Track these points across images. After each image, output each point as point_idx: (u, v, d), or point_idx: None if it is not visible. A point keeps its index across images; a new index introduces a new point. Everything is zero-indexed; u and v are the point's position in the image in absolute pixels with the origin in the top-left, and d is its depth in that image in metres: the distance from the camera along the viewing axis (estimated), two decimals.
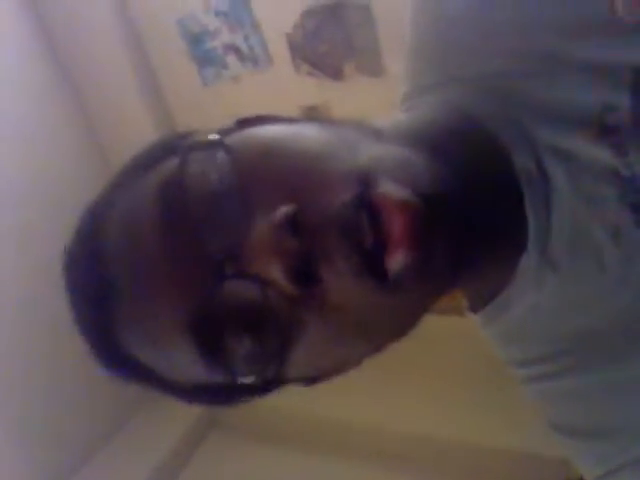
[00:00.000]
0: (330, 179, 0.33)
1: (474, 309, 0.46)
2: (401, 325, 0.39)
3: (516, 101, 0.41)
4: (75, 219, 0.40)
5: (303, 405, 1.98)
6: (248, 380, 0.35)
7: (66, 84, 2.12)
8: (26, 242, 1.88)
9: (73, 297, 0.38)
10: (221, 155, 0.35)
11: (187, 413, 2.21)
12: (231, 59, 1.94)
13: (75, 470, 2.03)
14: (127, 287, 0.35)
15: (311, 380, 0.42)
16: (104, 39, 2.01)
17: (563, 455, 0.46)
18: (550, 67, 0.39)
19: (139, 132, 1.99)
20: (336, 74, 1.80)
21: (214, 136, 0.36)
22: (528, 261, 0.41)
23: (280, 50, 1.84)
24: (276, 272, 0.32)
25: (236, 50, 1.91)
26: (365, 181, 0.32)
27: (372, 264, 0.32)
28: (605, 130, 0.38)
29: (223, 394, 0.38)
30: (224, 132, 0.38)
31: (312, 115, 1.81)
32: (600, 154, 0.38)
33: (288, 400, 1.95)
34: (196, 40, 1.96)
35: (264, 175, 0.34)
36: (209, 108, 1.94)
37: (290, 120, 0.41)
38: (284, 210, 0.32)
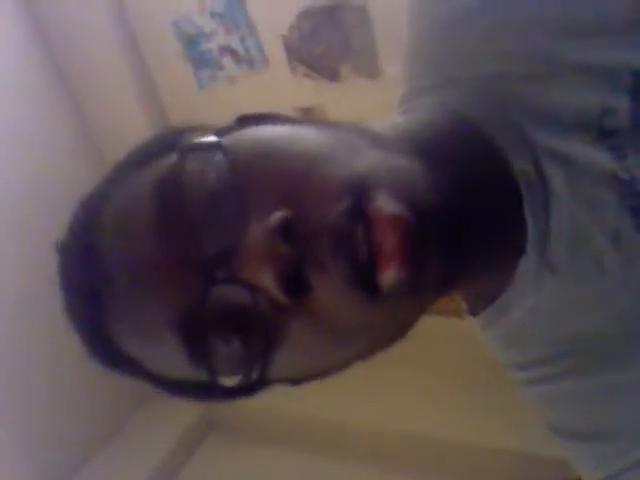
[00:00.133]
0: (327, 186, 0.33)
1: (473, 312, 0.46)
2: (389, 335, 0.39)
3: (514, 104, 0.41)
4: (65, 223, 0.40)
5: (301, 407, 1.98)
6: (232, 381, 0.35)
7: (62, 86, 2.12)
8: (24, 242, 1.87)
9: (66, 291, 0.39)
10: (218, 156, 0.35)
11: (186, 414, 2.21)
12: (227, 61, 1.93)
13: (74, 471, 2.02)
14: (119, 283, 0.35)
15: (296, 381, 0.42)
16: (100, 41, 2.01)
17: (561, 456, 0.46)
18: (548, 69, 0.39)
19: (135, 133, 1.97)
20: (332, 76, 1.80)
21: (212, 137, 0.36)
22: (527, 264, 0.40)
23: (276, 52, 1.84)
24: (267, 280, 0.32)
25: (232, 52, 1.91)
26: (361, 191, 0.32)
27: (363, 276, 0.31)
28: (604, 133, 0.38)
29: (209, 392, 0.38)
30: (223, 131, 0.38)
31: (308, 116, 1.80)
32: (599, 157, 0.38)
33: (286, 402, 1.96)
34: (192, 42, 1.95)
35: (261, 178, 0.34)
36: (205, 110, 1.94)
37: (290, 120, 0.41)
38: (278, 215, 0.32)
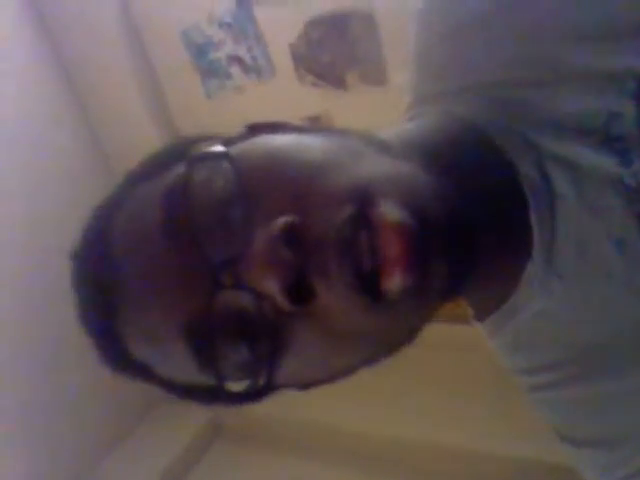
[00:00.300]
0: (331, 192, 0.33)
1: (480, 318, 0.46)
2: (395, 341, 0.39)
3: (520, 110, 0.41)
4: (78, 231, 0.41)
5: (308, 413, 1.97)
6: (239, 386, 0.36)
7: (70, 95, 2.14)
8: (28, 248, 1.88)
9: (78, 296, 0.40)
10: (225, 165, 0.35)
11: (193, 420, 2.20)
12: (235, 70, 1.95)
13: (82, 476, 2.03)
14: (129, 289, 0.36)
15: (304, 386, 0.42)
16: (109, 49, 2.02)
17: (567, 462, 0.46)
18: (554, 75, 0.39)
19: (143, 141, 1.99)
20: (339, 84, 1.80)
21: (219, 147, 0.37)
22: (533, 269, 0.40)
23: (283, 61, 1.85)
24: (272, 286, 0.32)
25: (240, 61, 1.92)
26: (365, 198, 0.32)
27: (367, 283, 0.32)
28: (610, 138, 0.38)
29: (217, 397, 0.39)
30: (231, 140, 0.39)
31: (316, 125, 1.81)
32: (605, 163, 0.38)
33: (293, 408, 1.95)
34: (200, 51, 1.97)
35: (266, 186, 0.35)
36: (212, 119, 1.95)
37: (298, 129, 0.41)
38: (283, 220, 0.32)
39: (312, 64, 1.81)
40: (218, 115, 1.95)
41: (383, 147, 0.39)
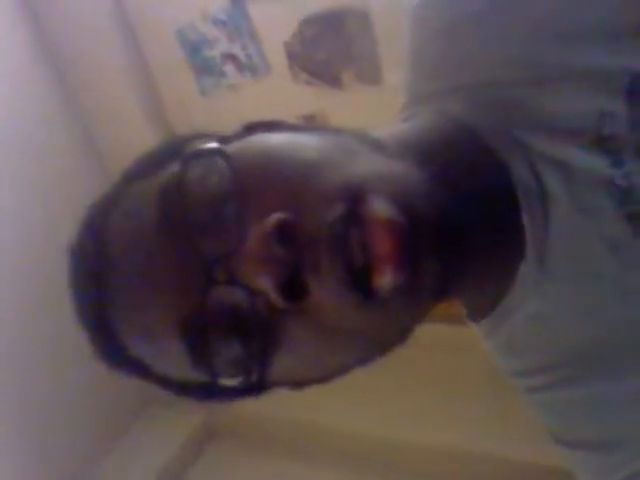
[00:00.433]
0: (324, 190, 0.34)
1: (474, 319, 0.46)
2: (387, 340, 0.39)
3: (512, 110, 0.41)
4: (73, 228, 0.41)
5: (303, 414, 1.97)
6: (231, 382, 0.36)
7: (64, 93, 2.13)
8: (25, 250, 1.88)
9: (74, 292, 0.40)
10: (221, 163, 0.36)
11: (187, 422, 2.20)
12: (229, 68, 1.94)
13: (77, 478, 2.02)
14: (124, 284, 0.37)
15: (296, 385, 0.42)
16: (103, 47, 2.01)
17: (561, 464, 0.46)
18: (546, 75, 0.40)
19: (137, 140, 1.98)
20: (334, 82, 1.80)
21: (215, 144, 0.37)
22: (527, 269, 0.40)
23: (278, 59, 1.84)
24: (265, 283, 0.32)
25: (234, 59, 1.92)
26: (357, 195, 0.33)
27: (359, 280, 0.32)
28: (601, 139, 0.38)
29: (211, 393, 0.39)
30: (227, 139, 0.39)
31: (311, 123, 1.81)
32: (597, 164, 0.38)
33: (288, 409, 1.95)
34: (194, 49, 1.96)
35: (261, 183, 0.35)
36: (207, 117, 1.94)
37: (294, 128, 0.42)
38: (276, 217, 0.32)
39: (307, 62, 1.81)
40: (213, 113, 1.94)
41: (377, 146, 0.39)
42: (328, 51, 1.76)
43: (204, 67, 1.98)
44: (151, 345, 0.38)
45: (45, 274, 1.51)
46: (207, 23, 1.90)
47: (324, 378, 0.41)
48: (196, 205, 0.35)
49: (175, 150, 0.39)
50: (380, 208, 0.32)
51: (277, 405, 2.07)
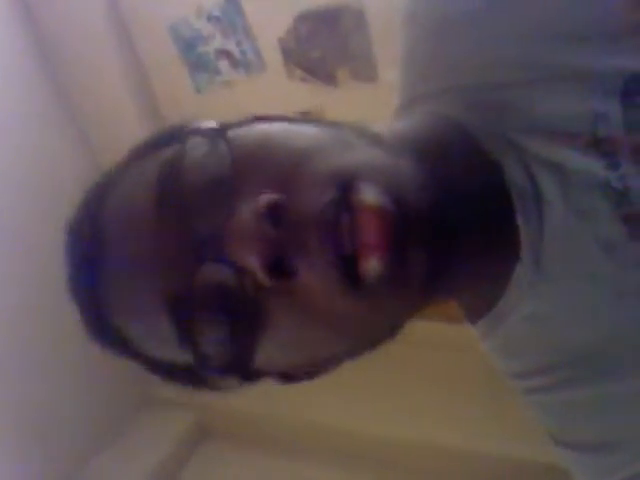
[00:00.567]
0: (317, 176, 0.34)
1: (472, 321, 0.46)
2: (375, 332, 0.39)
3: (506, 112, 0.41)
4: (64, 223, 0.41)
5: (297, 413, 1.97)
6: (216, 363, 0.36)
7: (57, 90, 2.11)
8: (17, 249, 1.87)
9: (68, 266, 0.40)
10: (220, 143, 0.37)
11: (181, 420, 2.20)
12: (223, 64, 1.93)
13: (71, 477, 2.02)
14: (117, 260, 0.37)
15: (284, 377, 0.42)
16: (96, 44, 2.00)
17: (560, 463, 0.46)
18: (541, 76, 0.39)
19: (132, 137, 1.97)
20: (329, 79, 1.80)
21: (215, 126, 0.38)
22: (522, 270, 0.40)
23: (273, 55, 1.84)
24: (252, 261, 0.32)
25: (229, 55, 1.91)
26: (348, 183, 0.33)
27: (347, 266, 0.32)
28: (596, 141, 0.37)
29: (195, 377, 0.39)
30: (228, 125, 0.40)
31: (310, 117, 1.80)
32: (591, 166, 0.38)
33: (281, 408, 1.95)
34: (188, 45, 1.95)
35: (256, 165, 0.36)
36: (202, 113, 1.93)
37: (295, 119, 0.42)
38: (267, 197, 0.33)
39: (302, 59, 1.81)
40: (207, 110, 1.94)
41: (375, 140, 0.39)
42: (323, 48, 1.76)
43: (198, 63, 1.97)
44: (140, 323, 0.38)
45: (41, 272, 1.51)
46: (201, 19, 1.89)
47: (311, 369, 0.41)
48: (192, 184, 0.35)
49: (176, 133, 0.40)
50: (370, 196, 0.32)
51: (271, 404, 2.07)
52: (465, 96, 0.42)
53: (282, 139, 0.37)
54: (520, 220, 0.39)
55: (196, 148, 0.37)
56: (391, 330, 0.40)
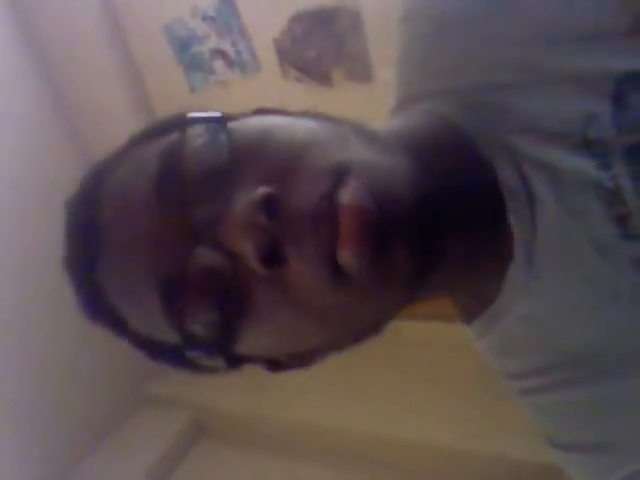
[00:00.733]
0: (312, 171, 0.35)
1: (467, 321, 0.46)
2: (356, 324, 0.39)
3: (499, 113, 0.41)
4: (58, 223, 0.42)
5: (291, 412, 1.97)
6: (201, 343, 0.37)
7: (52, 90, 2.10)
8: (10, 247, 1.86)
9: (66, 242, 0.41)
10: (221, 133, 0.38)
11: (175, 420, 2.19)
12: (218, 64, 1.93)
13: (64, 477, 2.01)
14: (114, 239, 0.38)
15: (271, 364, 0.43)
16: (90, 44, 2.00)
17: (556, 463, 0.46)
18: (533, 77, 0.40)
19: (126, 136, 1.97)
20: (324, 80, 1.80)
21: (217, 116, 0.39)
22: (515, 270, 0.40)
23: (268, 55, 1.83)
24: (247, 248, 0.33)
25: (223, 55, 1.91)
26: (340, 178, 0.34)
27: (335, 259, 0.33)
28: (588, 141, 0.38)
29: (183, 357, 0.39)
30: (229, 117, 0.41)
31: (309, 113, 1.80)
32: (583, 166, 0.38)
33: (275, 407, 1.93)
34: (183, 45, 1.95)
35: (254, 157, 0.36)
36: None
37: (294, 114, 0.43)
38: (263, 190, 0.34)
39: (297, 59, 1.80)
40: (202, 109, 1.93)
41: (372, 138, 0.39)
42: (318, 49, 1.76)
43: (193, 63, 1.97)
44: (131, 300, 0.39)
45: (36, 271, 1.50)
46: (196, 19, 1.89)
47: (296, 359, 0.42)
48: (191, 171, 0.36)
49: (177, 122, 0.40)
50: (352, 193, 0.33)
51: (265, 403, 2.07)
52: (460, 96, 0.43)
53: (281, 132, 0.38)
54: (512, 219, 0.40)
55: (197, 136, 0.38)
56: (376, 324, 0.40)
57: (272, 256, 0.33)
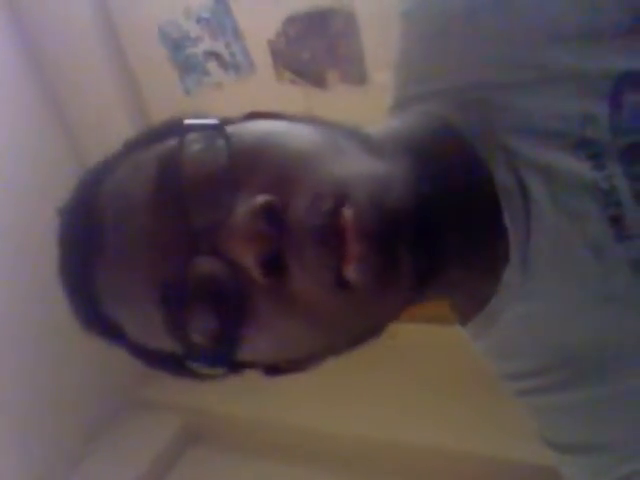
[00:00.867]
0: (312, 184, 0.35)
1: (464, 323, 0.46)
2: (358, 330, 0.40)
3: (496, 112, 0.41)
4: (52, 223, 0.41)
5: (285, 417, 1.96)
6: (202, 353, 0.37)
7: (45, 92, 2.09)
8: (3, 248, 1.85)
9: (61, 250, 0.40)
10: (219, 139, 0.37)
11: (167, 426, 2.18)
12: (212, 66, 1.93)
13: None
14: (111, 247, 0.37)
15: (270, 369, 0.43)
16: (84, 45, 1.99)
17: (551, 464, 0.46)
18: (531, 77, 0.40)
19: (121, 138, 1.96)
20: (319, 82, 1.80)
21: (215, 122, 0.39)
22: (511, 272, 0.40)
23: (262, 57, 1.83)
24: (248, 258, 0.33)
25: (217, 57, 1.90)
26: (341, 195, 0.34)
27: (338, 269, 0.33)
28: (584, 142, 0.38)
29: (182, 366, 0.39)
30: (227, 121, 0.40)
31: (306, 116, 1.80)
32: (579, 167, 0.38)
33: (268, 411, 1.93)
34: (177, 46, 1.94)
35: (254, 163, 0.36)
36: (191, 115, 1.93)
37: (292, 118, 0.43)
38: (264, 198, 0.34)
39: (291, 61, 1.80)
40: (197, 112, 1.93)
41: (366, 142, 0.39)
42: (313, 50, 1.76)
43: (187, 65, 1.96)
44: (130, 309, 0.38)
45: (29, 275, 1.49)
46: (190, 21, 1.88)
47: (295, 364, 0.42)
48: (191, 177, 0.36)
49: (176, 126, 0.40)
50: (355, 211, 0.33)
51: (258, 408, 2.06)
52: (457, 95, 0.43)
53: (280, 139, 0.38)
54: (507, 220, 0.40)
55: (195, 142, 0.37)
56: (376, 329, 0.40)
57: (273, 265, 0.33)
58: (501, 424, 1.41)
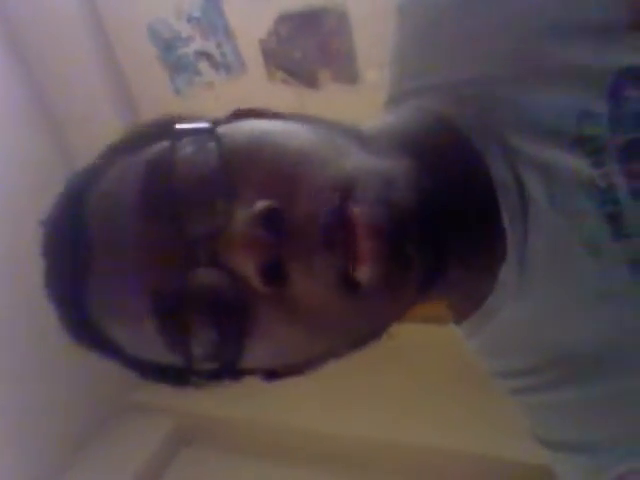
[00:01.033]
0: (314, 184, 0.34)
1: (459, 321, 0.46)
2: (363, 333, 0.39)
3: (493, 108, 0.40)
4: (37, 231, 0.39)
5: (279, 418, 1.96)
6: (204, 366, 0.36)
7: (33, 91, 2.08)
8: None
9: (47, 264, 0.38)
10: (211, 142, 0.36)
11: (160, 428, 2.18)
12: (203, 66, 1.91)
13: None
14: (102, 259, 0.36)
15: (270, 374, 0.42)
16: (74, 45, 1.98)
17: (544, 463, 0.46)
18: (529, 72, 0.39)
19: (110, 138, 1.95)
20: (311, 81, 1.79)
21: (206, 124, 0.37)
22: (508, 271, 0.40)
23: (254, 57, 1.82)
24: (248, 268, 0.32)
25: (208, 57, 1.89)
26: (346, 193, 0.33)
27: (345, 271, 0.32)
28: (582, 140, 0.37)
29: (184, 378, 0.38)
30: (217, 121, 0.39)
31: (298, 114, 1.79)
32: (577, 164, 0.37)
33: (261, 413, 1.92)
34: (168, 46, 1.93)
35: (251, 167, 0.35)
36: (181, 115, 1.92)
37: (284, 117, 0.41)
38: (264, 204, 0.33)
39: (283, 61, 1.80)
40: (187, 111, 1.92)
41: (362, 139, 0.39)
42: (304, 49, 1.75)
43: (178, 65, 1.95)
44: (126, 324, 0.37)
45: (19, 276, 1.47)
46: (181, 20, 1.87)
47: (297, 367, 0.41)
48: (183, 182, 0.34)
49: (165, 128, 0.38)
50: (364, 210, 0.32)
51: (251, 409, 2.06)
52: (454, 90, 0.42)
53: (275, 139, 0.37)
54: (505, 218, 0.39)
55: (186, 144, 0.36)
56: (380, 331, 0.40)
57: (273, 272, 0.32)
58: (501, 424, 1.40)
